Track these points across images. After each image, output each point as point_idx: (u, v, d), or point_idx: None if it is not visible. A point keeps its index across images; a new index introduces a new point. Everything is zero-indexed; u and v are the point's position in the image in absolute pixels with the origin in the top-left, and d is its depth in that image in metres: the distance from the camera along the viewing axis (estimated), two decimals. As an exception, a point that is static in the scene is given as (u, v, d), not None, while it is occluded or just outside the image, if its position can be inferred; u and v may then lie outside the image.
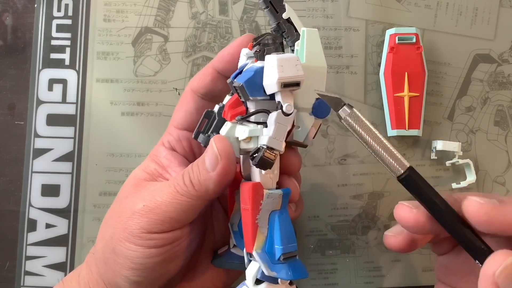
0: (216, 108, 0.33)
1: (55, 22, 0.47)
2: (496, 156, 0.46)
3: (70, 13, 0.47)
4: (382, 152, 0.28)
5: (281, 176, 0.32)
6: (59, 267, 0.44)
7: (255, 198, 0.30)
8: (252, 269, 0.31)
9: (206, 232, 0.37)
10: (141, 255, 0.31)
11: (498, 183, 0.45)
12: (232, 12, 0.47)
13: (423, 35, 0.46)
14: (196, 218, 0.33)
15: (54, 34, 0.47)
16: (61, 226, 0.45)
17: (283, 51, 0.32)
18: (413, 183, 0.28)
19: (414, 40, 0.44)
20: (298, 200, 0.34)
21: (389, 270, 0.44)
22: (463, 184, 0.44)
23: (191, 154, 0.36)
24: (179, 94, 0.46)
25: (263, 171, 0.30)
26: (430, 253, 0.44)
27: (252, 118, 0.30)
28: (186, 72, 0.46)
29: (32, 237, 0.45)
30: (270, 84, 0.29)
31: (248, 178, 0.32)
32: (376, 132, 0.28)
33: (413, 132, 0.44)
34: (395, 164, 0.28)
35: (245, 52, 0.33)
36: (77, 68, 0.46)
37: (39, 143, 0.46)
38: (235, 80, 0.31)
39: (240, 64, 0.33)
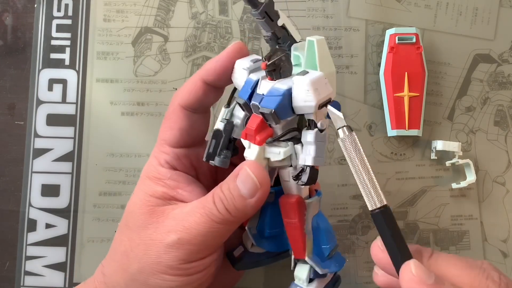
0: (221, 126, 0.33)
1: (55, 22, 0.47)
2: (496, 156, 0.46)
3: (70, 13, 0.47)
4: (367, 182, 0.29)
5: None
6: (59, 267, 0.44)
7: (301, 212, 0.32)
8: (303, 271, 0.34)
9: None
10: (181, 284, 0.31)
11: (498, 183, 0.45)
12: (232, 12, 0.47)
13: (423, 35, 0.46)
14: None
15: (54, 34, 0.47)
16: (61, 226, 0.45)
17: (291, 65, 0.32)
18: (382, 221, 0.29)
19: (414, 40, 0.44)
20: None
21: (389, 270, 0.44)
22: (463, 184, 0.44)
23: (192, 170, 0.36)
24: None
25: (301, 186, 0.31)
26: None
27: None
28: (186, 72, 0.46)
29: (32, 237, 0.45)
30: (306, 107, 0.29)
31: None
32: (367, 162, 0.29)
33: (413, 132, 0.44)
34: (375, 198, 0.29)
35: (244, 65, 0.32)
36: (77, 68, 0.46)
37: (39, 143, 0.46)
38: (257, 104, 0.30)
39: (239, 79, 0.32)
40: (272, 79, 0.30)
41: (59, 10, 0.47)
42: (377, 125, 0.46)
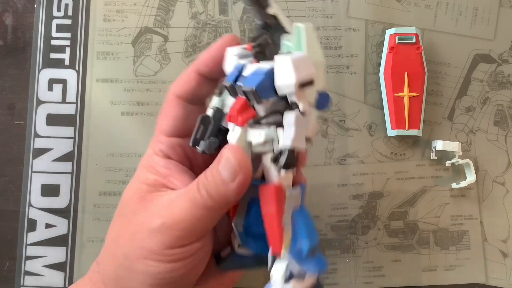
0: (211, 112, 0.32)
1: (55, 22, 0.47)
2: (496, 156, 0.46)
3: (70, 13, 0.47)
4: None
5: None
6: (59, 267, 0.44)
7: (279, 199, 0.30)
8: (279, 270, 0.31)
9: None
10: (164, 270, 0.31)
11: (498, 183, 0.45)
12: (232, 12, 0.47)
13: (423, 35, 0.46)
14: None
15: (54, 34, 0.47)
16: (61, 226, 0.45)
17: (279, 49, 0.31)
18: None
19: (414, 40, 0.44)
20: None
21: (389, 270, 0.44)
22: (463, 184, 0.44)
23: (186, 160, 0.36)
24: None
25: (282, 172, 0.30)
26: (430, 253, 0.44)
27: (263, 120, 0.30)
28: (186, 72, 0.46)
29: (32, 237, 0.45)
30: (286, 85, 0.29)
31: (256, 179, 0.32)
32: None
33: (413, 132, 0.44)
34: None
35: (234, 52, 0.32)
36: (77, 68, 0.46)
37: (39, 143, 0.46)
38: (241, 84, 0.30)
39: (229, 65, 0.32)
40: (258, 62, 0.30)
41: (59, 10, 0.47)
42: (377, 125, 0.46)
